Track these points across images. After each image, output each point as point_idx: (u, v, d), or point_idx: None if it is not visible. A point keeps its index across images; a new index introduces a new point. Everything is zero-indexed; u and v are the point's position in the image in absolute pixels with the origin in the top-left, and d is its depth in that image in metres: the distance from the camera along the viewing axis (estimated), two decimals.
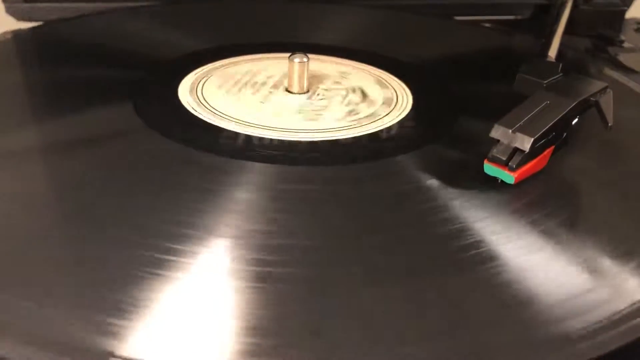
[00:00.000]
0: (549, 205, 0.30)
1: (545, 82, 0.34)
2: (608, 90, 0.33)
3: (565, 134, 0.32)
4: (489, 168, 0.30)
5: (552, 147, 0.32)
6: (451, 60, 0.48)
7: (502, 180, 0.30)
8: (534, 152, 0.30)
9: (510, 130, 0.30)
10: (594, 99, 0.32)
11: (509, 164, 0.30)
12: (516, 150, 0.30)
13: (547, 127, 0.30)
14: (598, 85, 0.33)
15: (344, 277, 0.25)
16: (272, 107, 0.38)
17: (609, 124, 0.32)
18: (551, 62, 0.38)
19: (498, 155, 0.30)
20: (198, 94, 0.39)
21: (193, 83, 0.40)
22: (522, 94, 0.33)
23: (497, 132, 0.30)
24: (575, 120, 0.33)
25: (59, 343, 0.21)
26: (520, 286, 0.25)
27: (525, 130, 0.30)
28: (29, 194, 0.29)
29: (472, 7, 0.59)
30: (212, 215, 0.28)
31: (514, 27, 0.59)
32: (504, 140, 0.30)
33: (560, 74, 0.35)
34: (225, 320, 0.23)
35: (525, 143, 0.29)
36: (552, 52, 0.40)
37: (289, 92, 0.39)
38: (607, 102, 0.32)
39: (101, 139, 0.34)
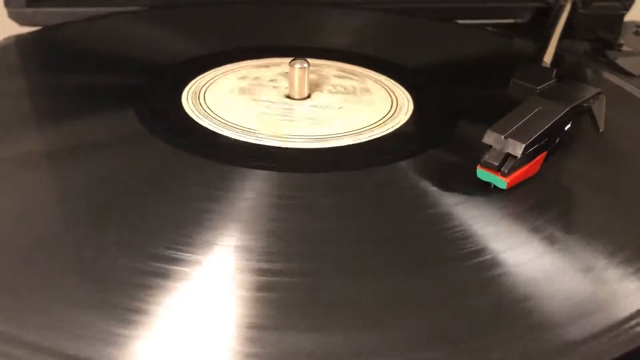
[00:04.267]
0: (551, 211, 0.30)
1: (539, 87, 0.34)
2: (601, 95, 0.33)
3: (558, 140, 0.33)
4: (482, 173, 0.31)
5: (545, 152, 0.32)
6: (452, 64, 0.48)
7: (494, 186, 0.30)
8: (527, 157, 0.30)
9: (503, 136, 0.30)
10: (586, 105, 0.33)
11: (501, 169, 0.30)
12: (508, 155, 0.30)
13: (539, 133, 0.30)
14: (591, 90, 0.33)
15: (346, 284, 0.25)
16: (274, 114, 0.38)
17: (600, 130, 0.32)
18: (545, 68, 0.38)
19: (490, 161, 0.30)
20: (201, 100, 0.39)
21: (196, 89, 0.40)
22: (518, 99, 0.33)
23: (490, 137, 0.30)
24: (568, 125, 0.33)
25: (62, 352, 0.21)
26: (521, 292, 0.25)
27: (517, 136, 0.30)
28: (31, 200, 0.30)
29: (471, 11, 0.59)
30: (214, 223, 0.28)
31: (513, 31, 0.59)
32: (497, 146, 0.30)
33: (554, 80, 0.35)
34: (227, 328, 0.23)
35: (517, 149, 0.30)
36: (548, 57, 0.40)
37: (290, 98, 0.40)
38: (599, 108, 0.33)
39: (103, 144, 0.34)
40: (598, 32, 0.55)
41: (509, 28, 0.60)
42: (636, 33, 0.57)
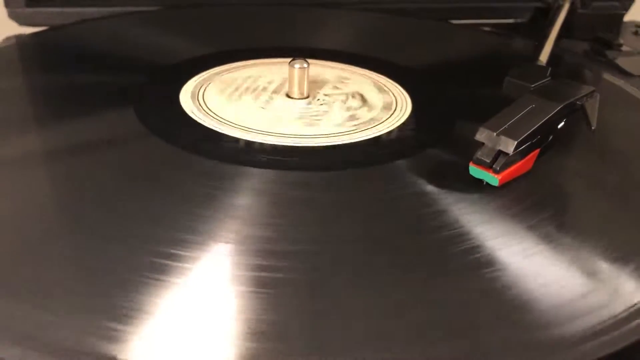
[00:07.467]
0: (548, 209, 0.30)
1: (533, 85, 0.34)
2: (595, 93, 0.33)
3: (551, 137, 0.33)
4: (474, 170, 0.31)
5: (538, 150, 0.32)
6: (450, 64, 0.48)
7: (487, 182, 0.31)
8: (519, 154, 0.30)
9: (495, 133, 0.30)
10: (580, 103, 0.33)
11: (493, 166, 0.30)
12: (500, 152, 0.30)
13: (531, 130, 0.30)
14: (585, 89, 0.33)
15: (344, 282, 0.25)
16: (273, 113, 0.38)
17: (592, 127, 0.32)
18: (540, 66, 0.38)
19: (482, 158, 0.30)
20: (199, 100, 0.39)
21: (194, 88, 0.40)
22: (513, 98, 0.33)
23: (482, 134, 0.30)
24: (562, 123, 0.33)
25: (62, 348, 0.22)
26: (518, 290, 0.25)
27: (509, 133, 0.30)
28: (31, 199, 0.30)
29: (470, 11, 0.59)
30: (213, 220, 0.28)
31: (512, 30, 0.59)
32: (489, 143, 0.30)
33: (548, 78, 0.35)
34: (226, 325, 0.23)
35: (509, 146, 0.30)
36: (544, 56, 0.40)
37: (289, 97, 0.40)
38: (592, 106, 0.33)
39: (102, 144, 0.34)
40: (597, 32, 0.55)
41: (509, 28, 0.60)
42: (635, 33, 0.57)
